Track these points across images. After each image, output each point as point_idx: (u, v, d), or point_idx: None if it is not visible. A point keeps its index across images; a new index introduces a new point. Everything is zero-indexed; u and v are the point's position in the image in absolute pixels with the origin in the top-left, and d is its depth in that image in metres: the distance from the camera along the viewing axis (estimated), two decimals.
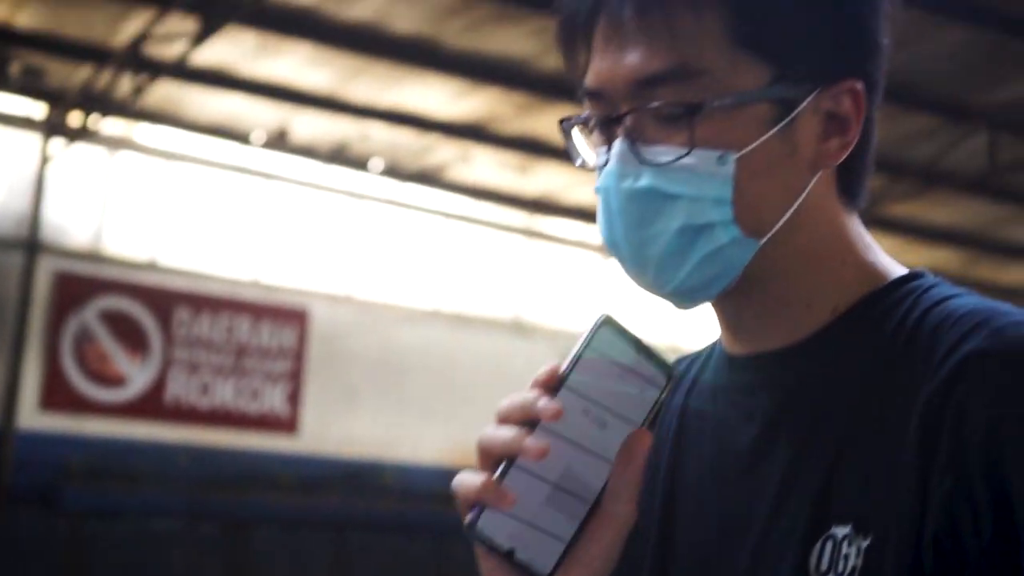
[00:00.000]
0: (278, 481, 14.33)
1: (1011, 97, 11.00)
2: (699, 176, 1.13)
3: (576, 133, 1.24)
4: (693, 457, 1.28)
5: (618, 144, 1.16)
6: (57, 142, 12.94)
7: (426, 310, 15.65)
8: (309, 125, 13.04)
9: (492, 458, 1.08)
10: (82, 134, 12.67)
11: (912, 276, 1.21)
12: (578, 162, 1.25)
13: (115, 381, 13.64)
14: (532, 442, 1.04)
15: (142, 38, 10.58)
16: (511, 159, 13.60)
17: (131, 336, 13.75)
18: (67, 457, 13.05)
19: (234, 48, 11.03)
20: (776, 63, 1.14)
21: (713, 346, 1.36)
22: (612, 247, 1.21)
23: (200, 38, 10.08)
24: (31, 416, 12.99)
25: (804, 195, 1.17)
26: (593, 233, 16.15)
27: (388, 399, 15.18)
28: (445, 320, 15.70)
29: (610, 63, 1.16)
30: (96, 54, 11.29)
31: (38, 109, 12.95)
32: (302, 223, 14.86)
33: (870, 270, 1.21)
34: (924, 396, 1.06)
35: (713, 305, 1.25)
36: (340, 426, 14.93)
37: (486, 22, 10.24)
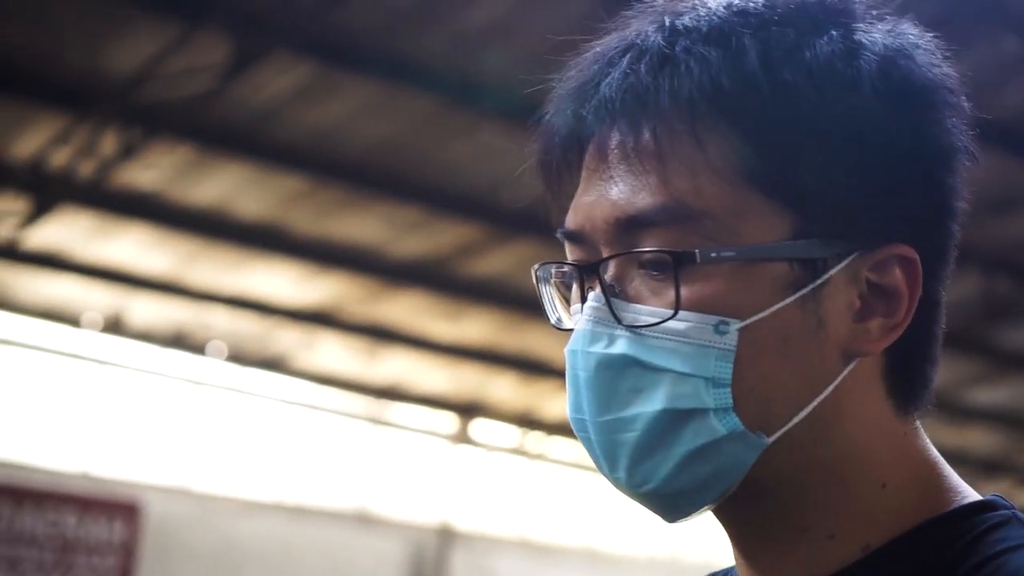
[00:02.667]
0: None
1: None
2: (691, 346, 0.90)
3: (550, 284, 1.03)
4: None
5: (592, 298, 0.94)
6: None
7: (266, 502, 15.16)
8: (147, 310, 12.66)
9: None
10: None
11: (978, 507, 0.96)
12: (552, 319, 1.04)
13: None
14: None
15: None
16: (358, 345, 13.38)
17: None
18: None
19: (68, 229, 10.68)
20: (801, 213, 0.91)
21: (727, 573, 1.10)
22: (578, 428, 0.97)
23: (31, 219, 9.79)
24: None
25: (832, 387, 0.93)
26: (443, 421, 15.93)
27: None
28: (286, 512, 15.22)
29: (592, 199, 0.96)
30: None
31: None
32: (137, 411, 14.37)
33: (925, 496, 0.96)
34: None
35: (720, 523, 1.01)
36: None
37: (335, 208, 10.12)
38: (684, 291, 0.90)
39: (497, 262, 10.98)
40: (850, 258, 0.92)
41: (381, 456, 16.07)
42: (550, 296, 1.03)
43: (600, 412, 0.94)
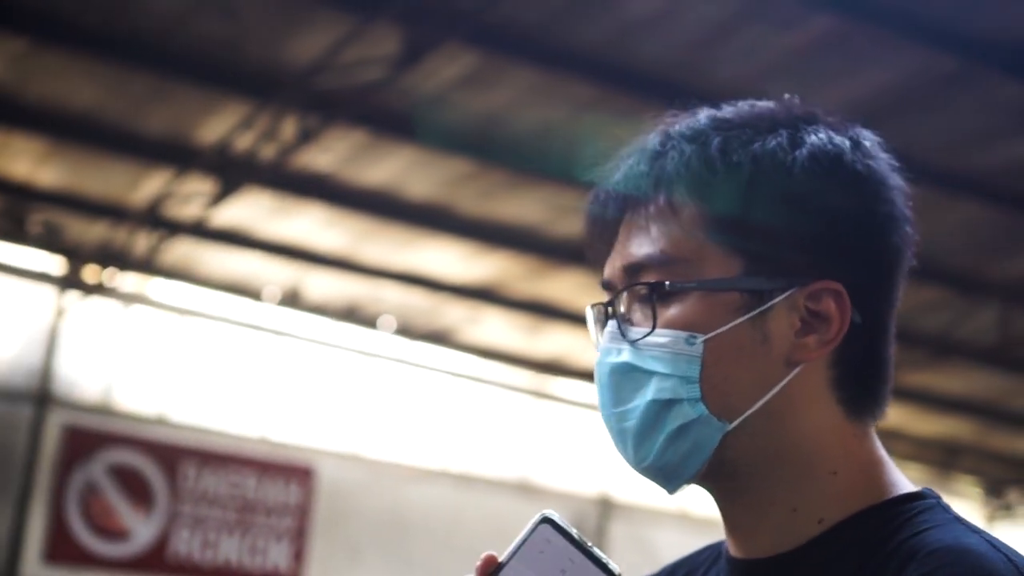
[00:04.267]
0: None
1: (1022, 271, 11.13)
2: (671, 354, 1.22)
3: (594, 321, 1.34)
4: None
5: (610, 323, 1.27)
6: (72, 296, 13.10)
7: (433, 469, 15.60)
8: (322, 284, 13.19)
9: None
10: (97, 289, 12.84)
11: (912, 496, 1.24)
12: (595, 345, 1.33)
13: (119, 535, 13.56)
14: None
15: (160, 197, 10.79)
16: (521, 321, 13.70)
17: (137, 490, 13.70)
18: None
19: (251, 209, 11.23)
20: (748, 257, 1.23)
21: (721, 544, 1.40)
22: (604, 423, 1.29)
23: (217, 199, 10.28)
24: (35, 569, 12.91)
25: (779, 387, 1.22)
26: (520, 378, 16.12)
27: (393, 559, 15.03)
28: (452, 480, 15.64)
29: (614, 257, 1.30)
30: (114, 211, 11.51)
31: (55, 263, 13.12)
32: (312, 381, 14.92)
33: (869, 485, 1.24)
34: None
35: (713, 499, 1.30)
36: None
37: (499, 189, 10.44)
38: (663, 314, 1.23)
39: None
40: (789, 291, 1.22)
41: (543, 428, 16.41)
42: (594, 328, 1.34)
43: (614, 406, 1.26)
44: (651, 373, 1.23)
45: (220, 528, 14.13)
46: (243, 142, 9.72)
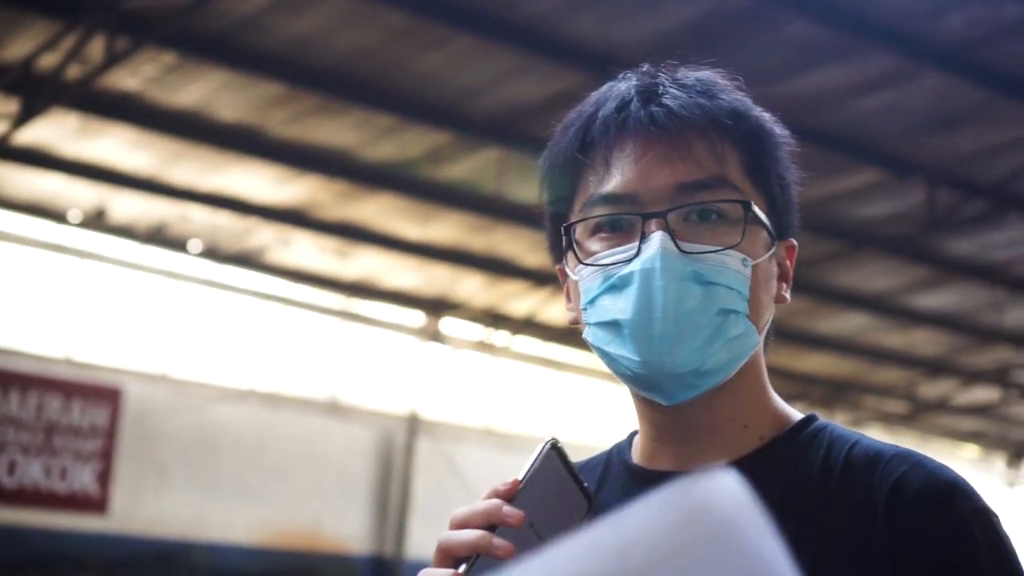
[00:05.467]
0: (87, 561, 14.09)
1: (809, 198, 11.64)
2: (730, 271, 1.34)
3: (584, 234, 1.41)
4: None
5: (659, 236, 1.33)
6: None
7: (241, 389, 15.64)
8: (129, 206, 13.04)
9: (454, 557, 1.18)
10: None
11: (812, 418, 1.43)
12: (585, 259, 1.40)
13: None
14: (501, 541, 1.16)
15: None
16: (331, 244, 13.79)
17: None
18: None
19: (55, 129, 11.04)
20: (769, 202, 1.41)
21: (605, 460, 1.52)
22: (640, 327, 1.32)
23: (21, 119, 10.08)
24: None
25: (769, 317, 1.41)
26: (410, 317, 16.42)
27: (201, 478, 15.08)
28: (260, 399, 15.71)
29: (645, 172, 1.36)
30: None
31: None
32: (118, 302, 14.77)
33: (780, 407, 1.44)
34: (887, 519, 1.28)
35: (660, 414, 1.40)
36: (151, 506, 14.77)
37: (309, 114, 10.50)
38: (708, 236, 1.35)
39: (465, 167, 11.41)
40: (780, 241, 1.43)
41: (352, 349, 16.60)
42: (579, 242, 1.42)
43: (673, 310, 1.31)
44: (717, 286, 1.33)
45: (23, 452, 13.96)
46: (48, 61, 9.54)
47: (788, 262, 1.44)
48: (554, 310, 15.43)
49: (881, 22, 8.60)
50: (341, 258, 14.39)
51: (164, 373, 15.13)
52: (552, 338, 16.63)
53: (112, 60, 9.10)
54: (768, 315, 1.40)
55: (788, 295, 1.44)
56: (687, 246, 1.32)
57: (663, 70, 1.47)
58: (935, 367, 17.68)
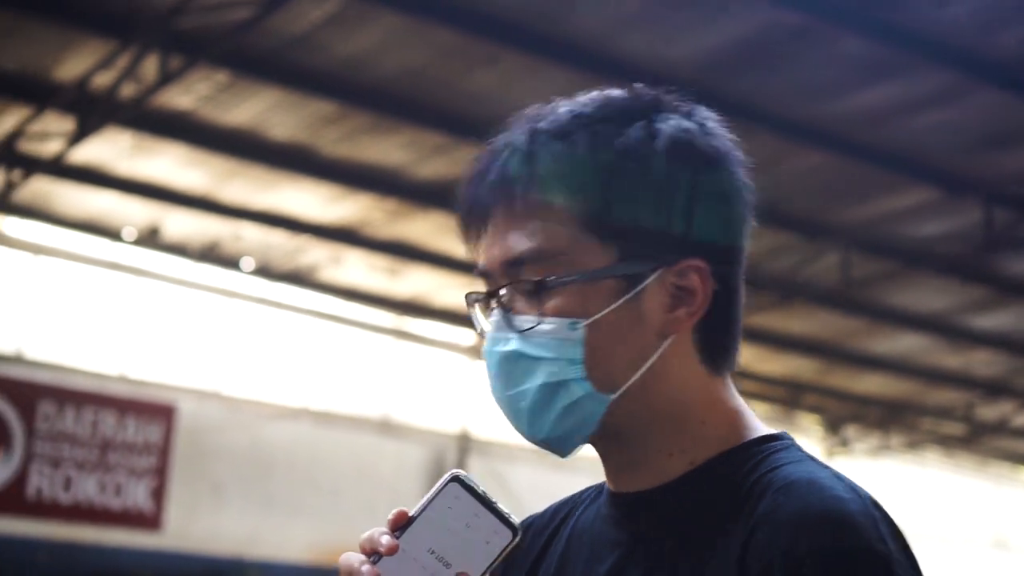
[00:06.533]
0: None
1: (864, 217, 11.59)
2: (556, 340, 1.33)
3: (477, 306, 1.44)
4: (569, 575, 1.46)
5: (495, 314, 1.38)
6: None
7: (294, 407, 15.70)
8: (182, 224, 13.14)
9: None
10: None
11: (768, 438, 1.39)
12: (478, 329, 1.44)
13: None
14: (369, 568, 1.23)
15: (16, 134, 10.65)
16: (382, 262, 13.82)
17: None
18: None
19: (110, 147, 11.14)
20: (620, 246, 1.34)
21: (603, 483, 1.53)
22: (496, 403, 1.40)
23: (76, 137, 10.18)
24: None
25: (654, 358, 1.35)
26: (461, 335, 16.43)
27: (254, 496, 15.13)
28: (313, 418, 15.76)
29: (491, 248, 1.39)
30: None
31: None
32: (172, 319, 14.88)
33: (732, 429, 1.39)
34: (741, 550, 1.26)
35: (598, 453, 1.43)
36: (204, 523, 14.84)
37: (361, 132, 10.54)
38: (546, 304, 1.34)
39: None
40: (658, 272, 1.35)
41: (404, 367, 16.61)
42: (477, 314, 1.45)
43: (506, 389, 1.38)
44: (539, 359, 1.34)
45: (79, 467, 14.08)
46: (103, 80, 9.64)
47: (692, 282, 1.36)
48: None
49: (936, 38, 8.51)
50: (392, 276, 14.42)
51: (217, 391, 15.20)
52: None
53: (166, 79, 9.18)
54: (637, 355, 1.36)
55: (694, 313, 1.37)
56: (517, 321, 1.35)
57: (535, 116, 1.43)
58: (993, 389, 17.43)
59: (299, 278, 14.77)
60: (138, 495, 14.43)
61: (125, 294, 14.61)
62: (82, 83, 9.74)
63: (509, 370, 1.37)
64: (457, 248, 11.88)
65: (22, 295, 13.99)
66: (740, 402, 1.44)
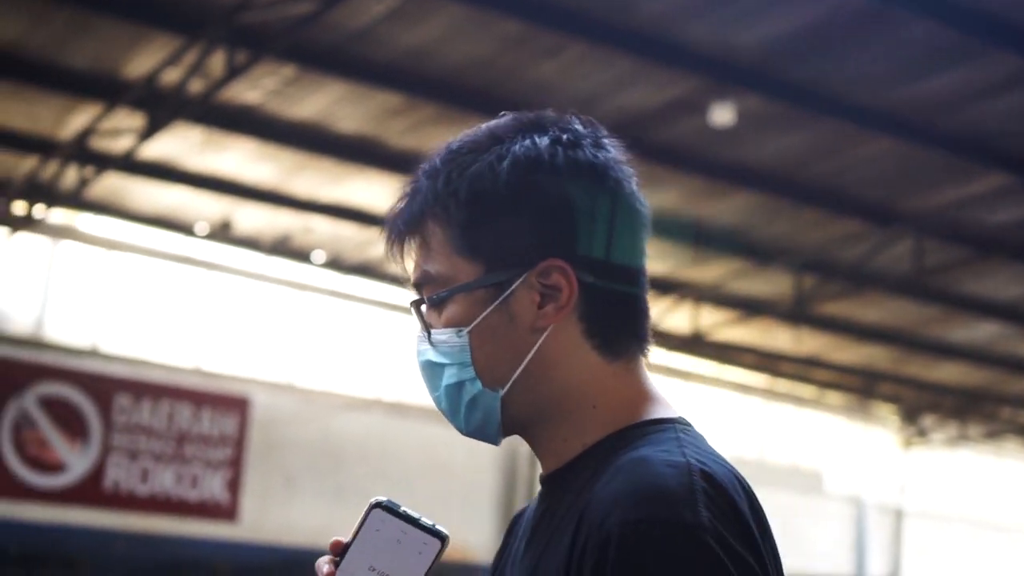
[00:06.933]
0: (216, 568, 14.34)
1: (935, 204, 11.42)
2: (450, 347, 1.52)
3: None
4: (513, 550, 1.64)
5: (415, 326, 1.57)
6: (1, 231, 13.08)
7: (366, 398, 15.78)
8: (252, 217, 13.25)
9: None
10: (26, 223, 12.83)
11: (654, 421, 1.49)
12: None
13: (54, 467, 13.65)
14: None
15: (88, 132, 10.79)
16: None
17: (70, 422, 13.78)
18: (4, 543, 13.03)
19: (180, 142, 11.26)
20: (485, 260, 1.50)
21: None
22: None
23: (146, 133, 10.29)
24: None
25: (532, 353, 1.50)
26: None
27: (327, 486, 15.24)
28: (384, 409, 15.83)
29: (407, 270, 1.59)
30: (42, 146, 11.49)
31: None
32: (244, 312, 15.02)
33: (625, 414, 1.50)
34: (575, 527, 1.37)
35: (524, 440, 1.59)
36: (278, 513, 14.98)
37: (427, 123, 10.56)
38: (441, 316, 1.53)
39: None
40: (523, 276, 1.49)
41: None
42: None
43: (431, 391, 1.57)
44: (441, 364, 1.53)
45: (155, 459, 14.26)
46: (171, 76, 9.73)
47: (557, 280, 1.50)
48: (677, 319, 15.30)
49: (1006, 22, 8.35)
50: None
51: (290, 383, 15.32)
52: (676, 347, 16.48)
53: (232, 73, 9.24)
54: (515, 352, 1.51)
55: (563, 307, 1.50)
56: (425, 332, 1.55)
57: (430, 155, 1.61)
58: None
59: (369, 270, 14.85)
60: (214, 487, 14.59)
61: (198, 288, 14.77)
62: (151, 80, 9.83)
63: (427, 375, 1.56)
64: None
65: (97, 290, 14.19)
66: (647, 386, 1.55)
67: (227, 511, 14.68)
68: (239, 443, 14.80)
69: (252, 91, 10.17)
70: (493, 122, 1.59)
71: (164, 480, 14.31)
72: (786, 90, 9.47)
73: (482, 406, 1.52)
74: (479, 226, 1.51)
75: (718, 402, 18.86)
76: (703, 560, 1.27)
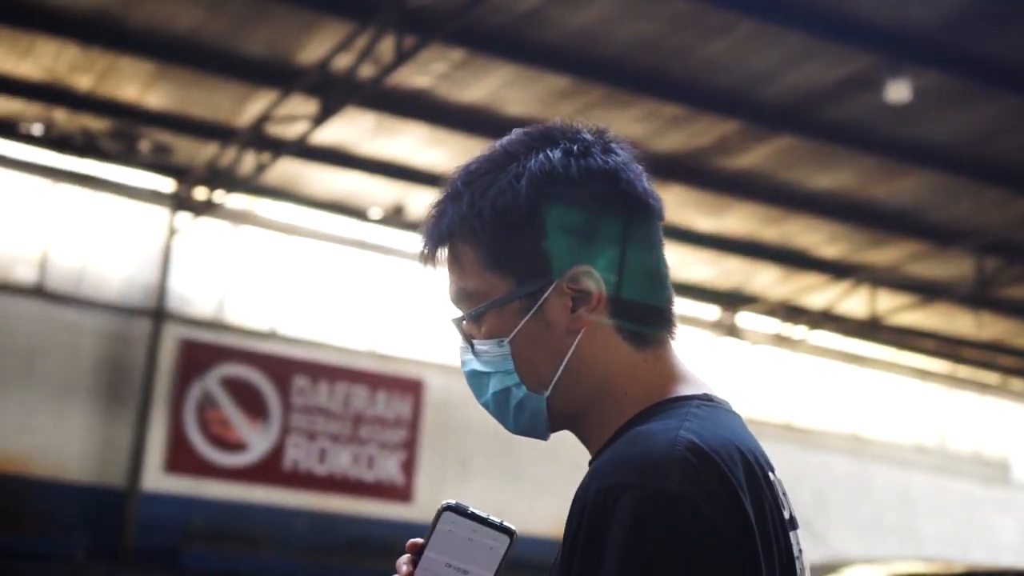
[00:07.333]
0: (392, 548, 14.54)
1: None
2: (493, 357, 1.61)
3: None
4: None
5: (459, 339, 1.67)
6: (183, 216, 13.48)
7: None
8: (425, 202, 13.29)
9: None
10: (207, 208, 13.20)
11: (675, 399, 1.57)
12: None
13: (236, 446, 14.03)
14: None
15: (265, 118, 11.03)
16: None
17: (251, 402, 14.14)
18: (189, 519, 13.44)
19: (353, 128, 11.43)
20: (516, 273, 1.59)
21: None
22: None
23: (320, 119, 10.47)
24: (155, 478, 13.43)
25: (570, 354, 1.59)
26: (704, 311, 16.24)
27: (500, 469, 15.34)
28: None
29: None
30: (221, 132, 11.80)
31: (166, 184, 13.50)
32: (418, 296, 15.17)
33: (652, 395, 1.59)
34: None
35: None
36: (453, 495, 14.91)
37: (597, 106, 10.50)
38: (481, 329, 1.62)
39: (757, 156, 11.19)
40: (553, 285, 1.58)
41: None
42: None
43: (479, 398, 1.65)
44: (487, 374, 1.62)
45: (332, 440, 14.54)
46: (343, 62, 9.88)
47: (586, 285, 1.58)
48: (854, 303, 14.95)
49: None
50: None
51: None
52: (853, 332, 16.13)
53: (401, 58, 9.33)
54: (554, 355, 1.59)
55: (594, 309, 1.58)
56: (468, 344, 1.64)
57: (451, 176, 1.68)
58: None
59: None
60: (389, 468, 14.81)
61: (372, 271, 14.98)
62: (323, 66, 10.00)
63: (474, 384, 1.65)
64: (699, 222, 11.79)
65: (275, 273, 14.51)
66: (676, 368, 1.63)
67: (402, 492, 14.89)
68: (413, 425, 14.98)
69: (422, 76, 10.25)
70: (506, 139, 1.66)
71: (341, 461, 14.58)
72: (965, 65, 9.14)
73: (529, 408, 1.61)
74: (506, 242, 1.60)
75: (896, 388, 18.39)
76: (662, 524, 1.36)
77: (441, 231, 1.64)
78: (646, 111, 10.47)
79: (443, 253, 1.65)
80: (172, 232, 13.52)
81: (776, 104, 10.12)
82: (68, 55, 10.56)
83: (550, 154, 1.61)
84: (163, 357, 13.48)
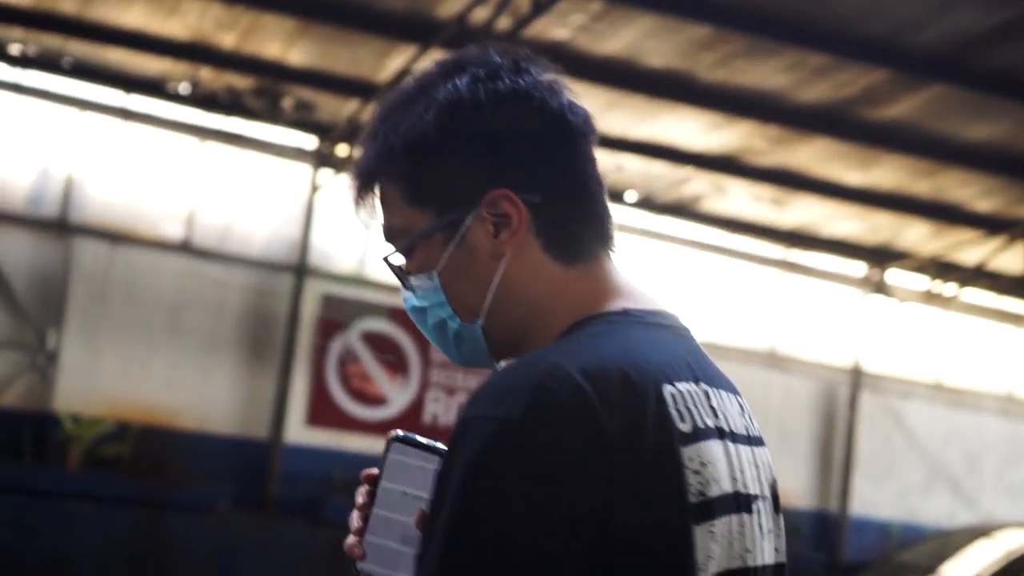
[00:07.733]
0: None
1: None
2: (426, 291, 1.64)
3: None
4: None
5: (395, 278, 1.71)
6: (325, 172, 13.59)
7: None
8: None
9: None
10: (348, 164, 13.25)
11: (588, 319, 1.57)
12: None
13: (376, 400, 14.17)
14: (350, 540, 1.60)
15: (405, 73, 11.01)
16: (766, 191, 13.52)
17: (392, 357, 14.24)
18: (330, 471, 13.63)
19: None
20: (434, 207, 1.61)
21: None
22: None
23: None
24: (298, 431, 13.65)
25: (497, 279, 1.60)
26: (852, 267, 15.90)
27: None
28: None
29: None
30: (362, 88, 11.83)
31: (309, 141, 13.62)
32: None
33: (578, 312, 1.59)
34: None
35: None
36: None
37: (739, 56, 10.25)
38: (414, 264, 1.65)
39: (905, 107, 10.83)
40: (472, 212, 1.59)
41: (792, 299, 16.24)
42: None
43: (424, 333, 1.69)
44: (423, 308, 1.66)
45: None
46: (480, 15, 9.80)
47: (505, 208, 1.58)
48: (1009, 259, 14.46)
49: None
50: (777, 206, 14.08)
51: None
52: (1006, 289, 15.62)
53: (538, 9, 9.22)
54: (483, 282, 1.60)
55: (516, 231, 1.58)
56: (405, 280, 1.67)
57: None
58: None
59: (682, 209, 14.68)
60: None
61: None
62: (461, 19, 9.93)
63: (417, 320, 1.69)
64: (845, 175, 11.48)
65: None
66: (608, 282, 1.64)
67: None
68: None
69: (559, 27, 10.12)
70: (420, 72, 1.67)
71: None
72: None
73: (467, 339, 1.64)
74: (421, 175, 1.61)
75: None
76: (502, 455, 1.35)
77: (362, 171, 1.68)
78: (790, 61, 10.19)
79: (369, 192, 1.67)
80: (314, 188, 13.65)
81: (927, 52, 9.76)
82: (213, 13, 10.67)
83: (458, 82, 1.62)
84: (305, 312, 13.65)
